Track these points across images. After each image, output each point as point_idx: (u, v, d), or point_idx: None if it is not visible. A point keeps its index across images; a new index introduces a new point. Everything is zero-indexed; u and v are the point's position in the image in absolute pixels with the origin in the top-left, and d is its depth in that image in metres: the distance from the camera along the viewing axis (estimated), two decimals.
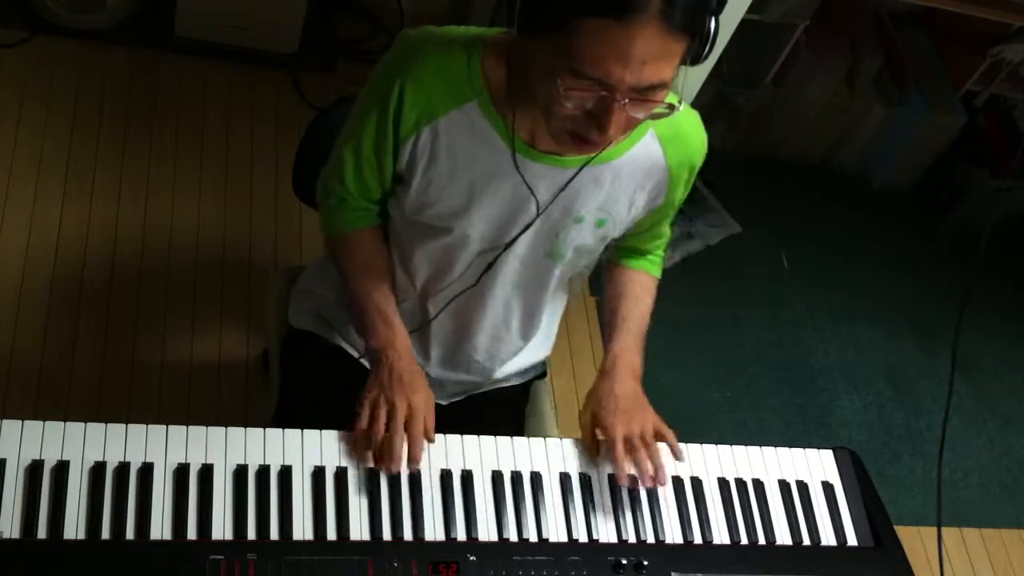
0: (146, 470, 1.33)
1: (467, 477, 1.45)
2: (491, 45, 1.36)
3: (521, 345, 1.73)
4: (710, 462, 1.57)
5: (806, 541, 1.53)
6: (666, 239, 1.68)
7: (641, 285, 1.66)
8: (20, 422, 1.33)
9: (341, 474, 1.40)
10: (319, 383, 1.71)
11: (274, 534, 1.33)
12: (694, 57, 1.20)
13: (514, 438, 1.51)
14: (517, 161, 1.38)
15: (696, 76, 2.17)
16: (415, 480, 1.42)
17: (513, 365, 1.75)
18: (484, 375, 1.74)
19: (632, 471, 1.48)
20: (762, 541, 1.51)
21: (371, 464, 1.40)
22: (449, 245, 1.49)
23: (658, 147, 1.42)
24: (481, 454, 1.48)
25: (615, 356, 1.57)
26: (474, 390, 1.77)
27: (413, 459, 1.41)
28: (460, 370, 1.72)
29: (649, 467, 1.48)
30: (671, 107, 1.22)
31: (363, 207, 1.54)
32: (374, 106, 1.40)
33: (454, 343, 1.68)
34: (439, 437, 1.48)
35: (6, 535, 1.25)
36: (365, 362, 1.72)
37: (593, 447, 1.51)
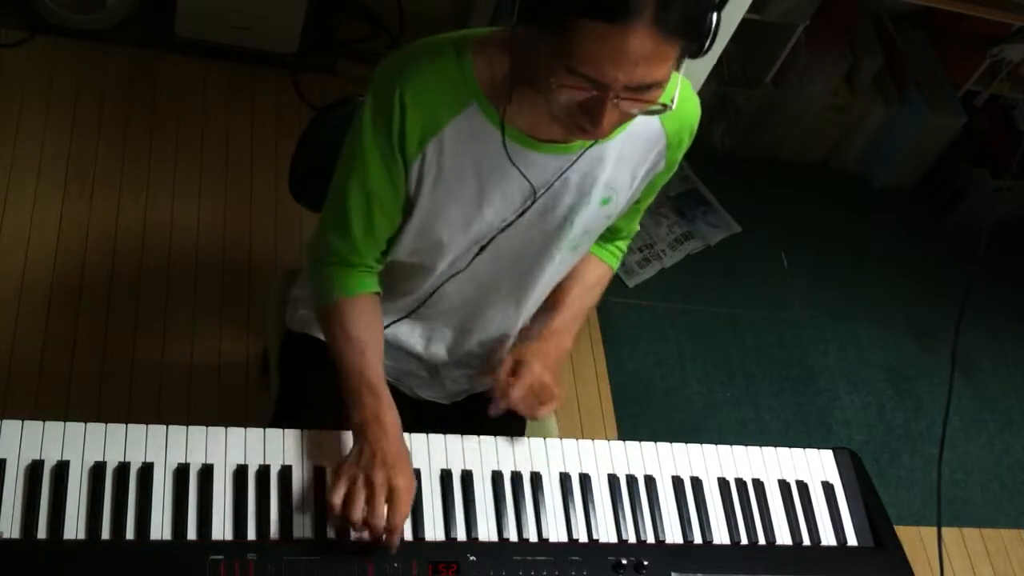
0: (146, 470, 1.33)
1: (467, 477, 1.45)
2: (481, 43, 1.36)
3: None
4: (710, 462, 1.57)
5: (806, 541, 1.53)
6: (633, 232, 1.69)
7: (598, 275, 1.68)
8: (20, 422, 1.33)
9: None
10: (318, 384, 1.70)
11: (274, 534, 1.33)
12: (694, 52, 1.21)
13: (514, 438, 1.51)
14: (517, 153, 1.38)
15: (696, 76, 2.17)
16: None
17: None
18: (487, 372, 1.74)
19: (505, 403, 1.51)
20: (762, 541, 1.51)
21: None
22: (464, 249, 1.48)
23: (655, 117, 1.43)
24: (481, 454, 1.48)
25: (552, 332, 1.59)
26: (475, 389, 1.77)
27: (390, 547, 1.34)
28: (463, 366, 1.72)
29: (523, 408, 1.50)
30: (664, 106, 1.23)
31: (366, 266, 1.51)
32: (377, 136, 1.37)
33: (459, 337, 1.67)
34: (439, 437, 1.49)
35: (6, 535, 1.25)
36: None
37: (503, 383, 1.52)
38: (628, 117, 1.27)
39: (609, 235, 1.66)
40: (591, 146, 1.40)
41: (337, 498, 1.34)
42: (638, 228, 1.69)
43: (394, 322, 1.65)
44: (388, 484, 1.35)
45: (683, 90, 1.46)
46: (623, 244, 1.71)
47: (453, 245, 1.47)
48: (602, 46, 1.15)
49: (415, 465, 1.44)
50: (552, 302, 1.64)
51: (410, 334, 1.68)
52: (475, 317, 1.63)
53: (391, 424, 1.42)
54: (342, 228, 1.46)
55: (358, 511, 1.33)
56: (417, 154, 1.38)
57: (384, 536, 1.34)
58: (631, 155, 1.45)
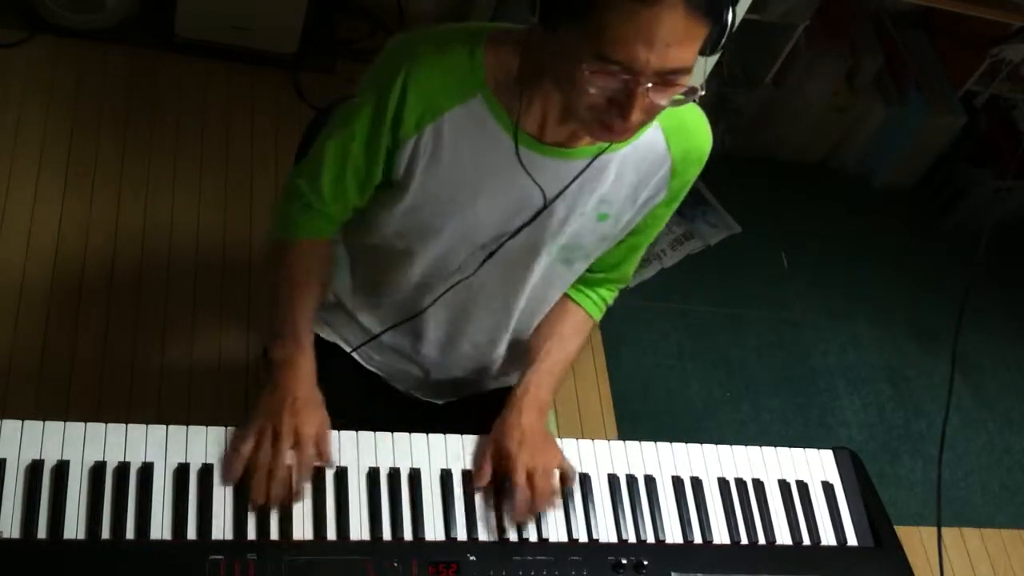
0: (146, 470, 1.33)
1: (467, 477, 1.45)
2: (494, 39, 1.36)
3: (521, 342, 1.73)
4: (710, 462, 1.57)
5: (806, 541, 1.53)
6: (624, 281, 1.66)
7: (574, 326, 1.64)
8: (20, 422, 1.33)
9: (341, 473, 1.40)
10: (318, 382, 1.70)
11: (274, 534, 1.33)
12: (712, 46, 1.20)
13: None
14: (522, 155, 1.38)
15: (696, 76, 2.17)
16: (415, 480, 1.42)
17: (501, 364, 1.74)
18: (479, 374, 1.74)
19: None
20: (762, 541, 1.51)
21: (257, 503, 1.34)
22: (453, 241, 1.48)
23: (662, 138, 1.42)
24: None
25: (526, 389, 1.54)
26: (467, 391, 1.77)
27: (295, 494, 1.36)
28: (455, 368, 1.72)
29: (540, 506, 1.43)
30: (692, 91, 1.22)
31: (328, 215, 1.51)
32: (370, 108, 1.37)
33: (449, 339, 1.66)
34: (439, 437, 1.48)
35: (6, 535, 1.25)
36: (358, 357, 1.71)
37: (482, 473, 1.45)
38: (656, 110, 1.24)
39: (598, 276, 1.63)
40: (600, 153, 1.39)
41: (243, 447, 1.36)
42: (630, 278, 1.66)
43: (389, 329, 1.65)
44: (295, 432, 1.38)
45: (695, 119, 1.45)
46: (609, 295, 1.67)
47: (443, 233, 1.46)
48: (633, 27, 1.14)
49: (416, 465, 1.44)
50: (529, 357, 1.60)
51: (401, 336, 1.68)
52: (466, 322, 1.63)
53: (305, 370, 1.44)
54: (313, 179, 1.47)
55: (262, 461, 1.35)
56: (414, 133, 1.38)
57: (295, 482, 1.36)
58: (634, 173, 1.44)
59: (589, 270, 1.61)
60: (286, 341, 1.45)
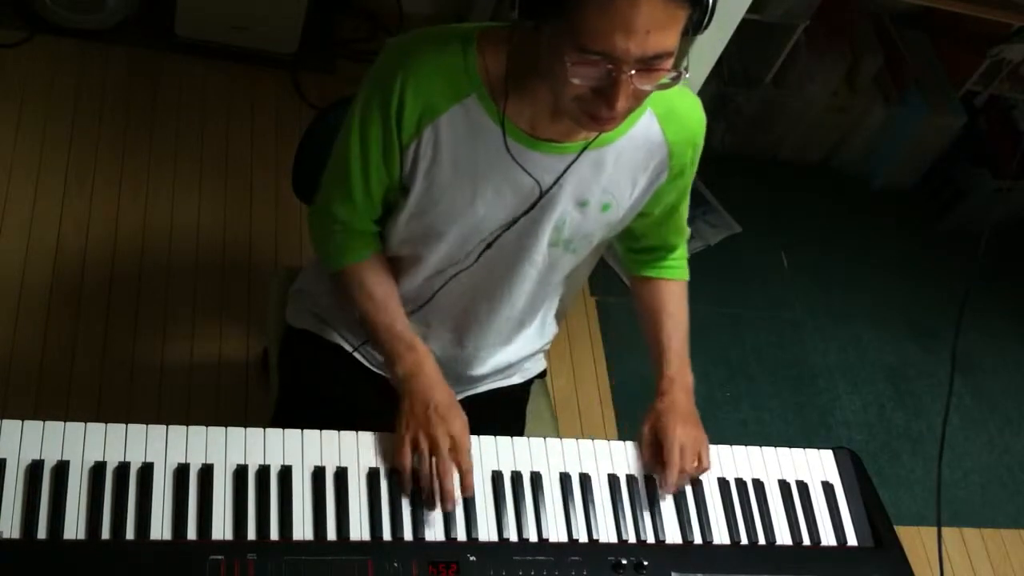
0: (146, 470, 1.33)
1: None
2: (486, 37, 1.37)
3: (529, 341, 1.73)
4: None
5: (806, 541, 1.53)
6: (686, 235, 1.70)
7: (678, 298, 1.72)
8: (20, 422, 1.33)
9: (341, 474, 1.40)
10: (318, 381, 1.70)
11: (274, 534, 1.33)
12: (695, 26, 1.21)
13: (514, 438, 1.51)
14: (516, 150, 1.38)
15: (696, 76, 2.17)
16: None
17: (507, 356, 1.75)
18: (483, 372, 1.74)
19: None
20: (762, 541, 1.51)
21: (435, 506, 1.40)
22: (457, 241, 1.49)
23: (656, 125, 1.43)
24: (481, 454, 1.48)
25: (671, 380, 1.61)
26: (471, 389, 1.77)
27: (467, 488, 1.41)
28: (459, 366, 1.72)
29: (686, 480, 1.51)
30: (677, 74, 1.22)
31: (367, 231, 1.53)
32: (376, 113, 1.39)
33: (454, 336, 1.67)
34: None
35: (6, 535, 1.25)
36: (360, 357, 1.71)
37: (652, 459, 1.53)
38: (643, 95, 1.25)
39: (662, 253, 1.69)
40: (592, 142, 1.39)
41: (406, 460, 1.40)
42: (688, 233, 1.71)
43: None
44: (448, 433, 1.42)
45: (686, 102, 1.46)
46: (680, 253, 1.72)
47: (447, 236, 1.47)
48: (611, 16, 1.14)
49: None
50: (653, 350, 1.67)
51: None
52: (471, 320, 1.63)
53: (433, 372, 1.49)
54: (344, 193, 1.48)
55: (428, 468, 1.39)
56: (414, 137, 1.39)
57: (462, 482, 1.41)
58: (630, 162, 1.44)
59: (651, 254, 1.66)
60: (403, 354, 1.49)
